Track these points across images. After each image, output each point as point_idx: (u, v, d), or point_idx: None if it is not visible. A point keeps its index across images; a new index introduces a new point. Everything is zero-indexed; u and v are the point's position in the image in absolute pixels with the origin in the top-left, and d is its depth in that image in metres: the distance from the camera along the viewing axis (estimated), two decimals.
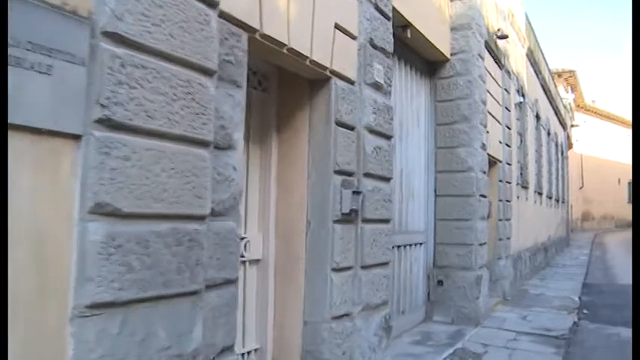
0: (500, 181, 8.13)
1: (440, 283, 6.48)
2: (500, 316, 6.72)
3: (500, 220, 8.08)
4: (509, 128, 8.75)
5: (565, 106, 21.48)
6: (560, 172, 17.91)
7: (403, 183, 5.97)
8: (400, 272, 5.86)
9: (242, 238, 3.36)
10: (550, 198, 14.76)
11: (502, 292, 7.94)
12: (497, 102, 8.18)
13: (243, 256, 3.36)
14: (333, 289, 3.27)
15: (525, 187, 10.49)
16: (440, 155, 6.69)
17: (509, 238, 8.54)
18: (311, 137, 3.46)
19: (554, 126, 16.87)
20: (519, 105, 9.96)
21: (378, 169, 3.74)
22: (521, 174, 10.09)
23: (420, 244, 6.44)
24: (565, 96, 25.14)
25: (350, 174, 3.47)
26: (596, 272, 12.08)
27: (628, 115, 35.72)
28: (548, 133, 15.03)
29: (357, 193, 3.39)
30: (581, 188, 32.30)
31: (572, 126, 23.98)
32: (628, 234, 24.11)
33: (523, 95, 10.22)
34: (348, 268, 3.42)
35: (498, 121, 8.21)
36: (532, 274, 10.74)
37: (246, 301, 3.39)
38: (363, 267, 3.54)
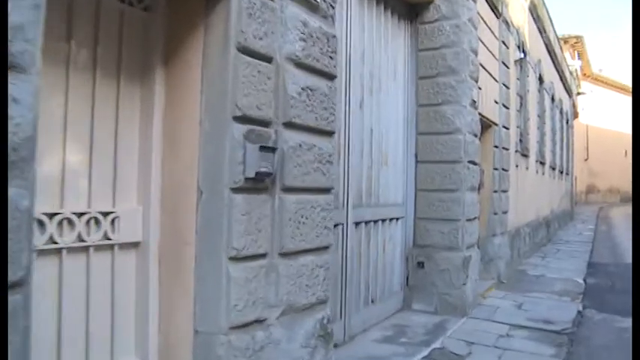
0: (496, 146, 7.07)
1: (420, 265, 5.49)
2: (493, 304, 5.75)
3: (495, 191, 7.05)
4: (507, 87, 7.64)
5: (571, 73, 20.21)
6: (565, 141, 16.79)
7: (374, 145, 4.94)
8: (369, 253, 4.87)
9: (107, 214, 2.36)
10: (553, 169, 13.69)
11: (496, 273, 6.96)
12: (493, 55, 7.06)
13: (109, 239, 2.37)
14: (231, 286, 2.27)
15: (525, 156, 9.43)
16: (422, 114, 5.63)
17: (505, 212, 7.52)
18: (205, 70, 2.42)
19: (559, 92, 15.68)
20: (520, 62, 8.82)
21: (309, 119, 2.70)
22: (520, 140, 9.00)
23: (397, 219, 5.43)
24: (571, 63, 23.82)
25: (261, 122, 2.44)
26: (603, 250, 11.09)
27: None
28: (553, 99, 13.87)
29: (268, 149, 2.36)
30: (586, 160, 31.18)
31: (578, 94, 22.71)
32: None
33: (524, 52, 9.06)
34: (258, 257, 2.41)
35: (494, 78, 7.11)
36: (532, 251, 9.76)
37: (115, 299, 2.40)
38: (284, 254, 2.54)
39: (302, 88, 2.64)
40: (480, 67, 6.23)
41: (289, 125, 2.57)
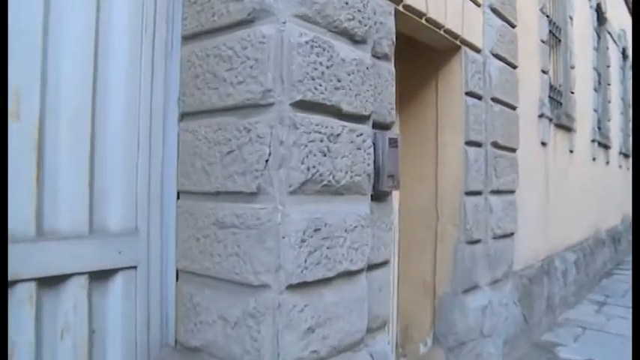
0: (473, 94, 3.27)
1: None
2: None
3: (473, 193, 3.26)
4: None
5: None
6: None
7: None
8: None
9: None
10: (627, 156, 9.36)
11: None
12: None
13: None
14: None
15: (567, 129, 5.45)
16: None
17: (507, 236, 3.69)
18: None
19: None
20: None
21: None
22: (554, 99, 5.06)
23: (112, 273, 1.86)
24: None
25: None
26: None
27: None
28: (624, 54, 9.53)
29: None
30: None
31: None
32: None
33: None
34: None
35: None
36: (581, 293, 5.74)
37: None
38: None
39: None
40: None
41: None
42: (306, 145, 1.73)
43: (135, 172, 1.98)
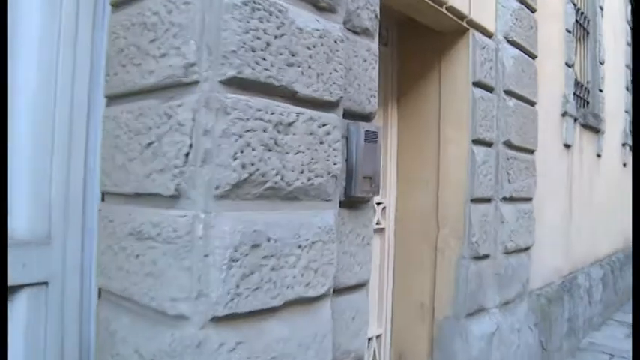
0: (481, 85, 2.83)
1: None
2: None
3: (478, 200, 2.81)
4: None
5: None
6: None
7: None
8: None
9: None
10: None
11: None
12: None
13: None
14: None
15: (596, 131, 4.93)
16: None
17: (522, 250, 3.23)
18: None
19: None
20: None
21: None
22: (579, 97, 4.57)
23: (13, 290, 1.50)
24: None
25: None
26: None
27: None
28: None
29: None
30: None
31: None
32: None
33: None
34: None
35: None
36: (609, 311, 5.21)
37: None
38: None
39: None
40: None
41: None
42: (241, 136, 1.33)
43: (49, 168, 1.62)
